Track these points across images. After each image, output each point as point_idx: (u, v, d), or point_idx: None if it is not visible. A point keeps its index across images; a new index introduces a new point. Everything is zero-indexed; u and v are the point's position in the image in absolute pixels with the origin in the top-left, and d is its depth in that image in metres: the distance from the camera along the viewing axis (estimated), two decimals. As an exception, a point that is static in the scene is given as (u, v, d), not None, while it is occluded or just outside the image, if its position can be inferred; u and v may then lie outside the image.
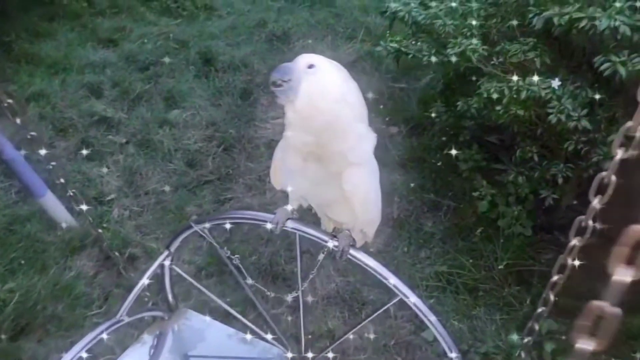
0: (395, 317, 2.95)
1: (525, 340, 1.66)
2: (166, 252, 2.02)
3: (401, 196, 3.65)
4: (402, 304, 3.00)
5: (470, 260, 3.17)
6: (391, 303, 1.77)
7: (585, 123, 2.39)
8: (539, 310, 1.50)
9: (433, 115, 3.64)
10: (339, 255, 1.72)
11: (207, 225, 1.85)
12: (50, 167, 2.23)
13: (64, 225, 3.24)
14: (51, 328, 2.77)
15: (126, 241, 3.24)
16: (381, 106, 4.36)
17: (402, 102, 4.46)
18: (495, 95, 2.44)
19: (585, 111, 2.43)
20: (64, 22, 5.30)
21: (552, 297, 1.41)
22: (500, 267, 3.10)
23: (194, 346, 2.29)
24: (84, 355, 1.65)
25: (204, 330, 2.30)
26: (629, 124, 1.00)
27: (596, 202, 1.16)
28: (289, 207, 1.77)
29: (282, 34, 5.19)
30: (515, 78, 2.35)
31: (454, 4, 2.60)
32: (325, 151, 1.56)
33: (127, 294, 1.95)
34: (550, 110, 2.36)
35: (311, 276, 1.84)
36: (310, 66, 1.53)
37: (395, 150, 4.03)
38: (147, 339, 2.22)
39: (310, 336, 2.66)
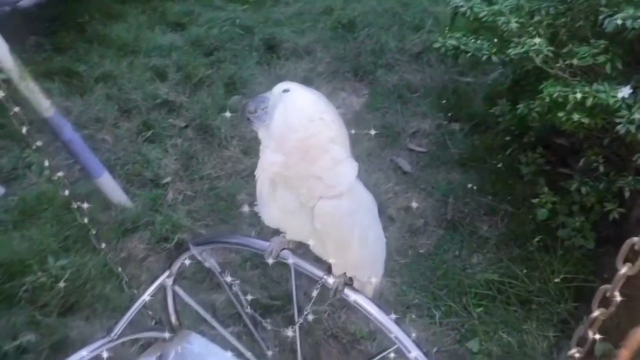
0: (440, 323, 2.85)
1: (572, 351, 1.46)
2: (167, 273, 1.99)
3: (457, 197, 3.51)
4: (448, 312, 2.92)
5: (525, 271, 3.00)
6: (389, 350, 1.63)
7: (657, 135, 2.18)
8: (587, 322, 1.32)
9: (497, 113, 3.47)
10: (332, 293, 1.59)
11: (202, 249, 1.81)
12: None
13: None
14: (98, 307, 2.85)
15: (176, 226, 3.28)
16: (444, 101, 4.21)
17: (467, 98, 4.28)
18: (559, 100, 2.26)
19: (658, 122, 2.21)
20: (135, 4, 5.42)
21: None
22: (556, 280, 2.92)
23: None
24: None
25: (205, 356, 2.25)
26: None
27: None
28: (285, 236, 1.66)
29: (347, 22, 5.08)
30: (581, 83, 2.17)
31: (521, 1, 2.42)
32: (294, 173, 1.43)
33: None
34: (618, 120, 2.16)
35: (305, 313, 1.70)
36: (285, 90, 1.44)
37: (455, 148, 3.88)
38: None
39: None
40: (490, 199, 3.47)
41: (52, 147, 3.68)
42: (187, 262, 2.05)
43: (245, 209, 3.64)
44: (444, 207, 3.47)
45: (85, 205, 2.39)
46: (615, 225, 2.93)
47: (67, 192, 1.98)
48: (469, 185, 3.53)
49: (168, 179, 3.68)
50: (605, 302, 1.14)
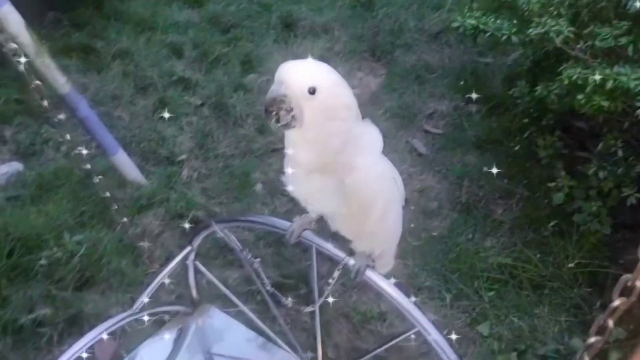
0: (451, 306, 2.84)
1: (592, 340, 1.44)
2: (189, 248, 2.01)
3: (472, 180, 3.47)
4: (459, 295, 2.92)
5: (539, 255, 2.97)
6: (409, 333, 1.64)
7: (680, 119, 2.13)
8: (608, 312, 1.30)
9: (515, 95, 3.41)
10: (354, 275, 1.61)
11: (223, 226, 1.82)
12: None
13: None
14: (114, 282, 2.89)
15: (190, 203, 3.30)
16: (462, 82, 4.15)
17: (486, 79, 4.21)
18: (579, 83, 2.21)
19: (681, 107, 2.15)
20: (153, -20, 5.40)
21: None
22: (570, 265, 2.89)
23: (214, 345, 2.28)
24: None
25: (225, 331, 2.29)
26: None
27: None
28: (309, 217, 1.68)
29: (366, 1, 5.00)
30: (602, 65, 2.11)
31: (542, -21, 2.36)
32: (331, 164, 1.47)
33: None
34: (639, 104, 2.11)
35: (326, 293, 1.74)
36: (312, 91, 1.38)
37: (472, 130, 3.83)
38: (167, 333, 2.24)
39: (329, 349, 2.61)
40: (506, 182, 3.43)
41: (69, 123, 3.72)
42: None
43: (259, 187, 3.68)
44: (459, 190, 3.44)
45: (102, 180, 2.43)
46: (632, 210, 2.88)
47: (88, 166, 1.96)
48: (485, 168, 3.49)
49: (183, 157, 3.70)
50: (626, 291, 1.12)
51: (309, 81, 1.38)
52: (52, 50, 4.29)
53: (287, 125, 1.41)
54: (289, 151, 1.52)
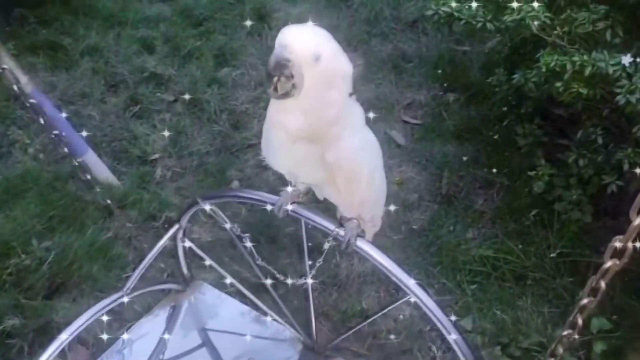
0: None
1: (565, 333, 1.42)
2: (177, 226, 1.98)
3: (452, 170, 3.42)
4: (442, 289, 2.87)
5: (520, 246, 2.93)
6: (402, 300, 1.63)
7: (659, 105, 2.08)
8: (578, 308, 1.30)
9: (493, 83, 3.36)
10: (344, 246, 1.60)
11: (211, 202, 1.78)
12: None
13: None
14: (86, 288, 2.80)
15: (164, 204, 3.21)
16: (439, 71, 4.09)
17: (463, 67, 4.15)
18: (556, 70, 2.16)
19: (659, 92, 2.11)
20: (122, -27, 5.25)
21: (580, 321, 1.23)
22: (552, 255, 2.86)
23: (207, 321, 2.26)
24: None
25: (218, 306, 2.29)
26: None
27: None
28: (296, 189, 1.65)
29: (341, -10, 4.92)
30: (579, 52, 2.06)
31: (517, -37, 2.29)
32: (321, 134, 1.44)
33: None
34: (618, 90, 2.06)
35: (318, 264, 1.73)
36: (317, 58, 1.34)
37: (451, 119, 3.77)
38: (160, 311, 2.21)
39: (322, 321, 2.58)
40: (486, 171, 3.38)
41: (38, 124, 3.61)
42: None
43: (235, 184, 3.60)
44: (439, 181, 3.39)
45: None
46: (612, 198, 2.85)
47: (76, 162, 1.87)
48: (464, 158, 3.45)
49: (156, 156, 3.60)
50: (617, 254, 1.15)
51: (314, 47, 1.35)
52: (18, 48, 4.18)
53: (287, 94, 1.36)
54: (276, 117, 1.47)
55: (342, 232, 1.60)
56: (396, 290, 2.87)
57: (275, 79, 1.33)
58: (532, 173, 3.03)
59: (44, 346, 2.48)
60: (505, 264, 2.88)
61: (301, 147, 1.46)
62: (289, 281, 1.85)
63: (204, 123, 3.84)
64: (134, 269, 2.92)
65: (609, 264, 1.16)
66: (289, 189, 1.67)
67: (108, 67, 4.21)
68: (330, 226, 1.62)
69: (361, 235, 1.63)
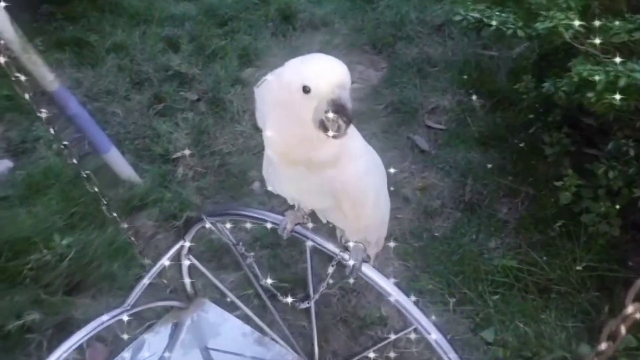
0: (454, 311, 2.74)
1: (602, 347, 1.33)
2: (181, 243, 1.94)
3: (476, 177, 3.36)
4: (463, 299, 2.82)
5: (545, 257, 2.86)
6: (406, 332, 1.56)
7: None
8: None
9: (521, 90, 3.29)
10: (349, 272, 1.54)
11: (215, 219, 1.74)
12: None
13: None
14: (104, 286, 2.80)
15: (185, 203, 3.20)
16: (465, 76, 4.03)
17: (490, 73, 4.09)
18: (589, 79, 2.09)
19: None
20: (148, -29, 5.27)
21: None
22: (578, 268, 2.78)
23: (209, 340, 2.21)
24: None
25: (220, 325, 2.24)
26: None
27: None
28: (301, 210, 1.61)
29: (366, -8, 4.89)
30: (615, 60, 1.99)
31: (551, -30, 2.23)
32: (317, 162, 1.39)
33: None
34: (653, 102, 2.00)
35: (322, 289, 1.67)
36: (305, 90, 1.28)
37: (476, 125, 3.71)
38: (162, 328, 2.17)
39: (327, 355, 2.54)
40: (510, 180, 3.32)
41: (62, 120, 3.63)
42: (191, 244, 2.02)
43: (256, 186, 3.58)
44: (462, 188, 3.34)
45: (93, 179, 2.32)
46: (643, 211, 2.78)
47: (74, 161, 1.84)
48: (489, 166, 3.38)
49: (179, 154, 3.59)
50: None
51: (303, 81, 1.29)
52: (45, 44, 4.22)
53: (343, 134, 1.31)
54: (269, 152, 1.44)
55: (346, 256, 1.54)
56: (415, 299, 2.82)
57: (340, 120, 1.29)
58: (558, 183, 2.95)
59: (62, 342, 2.52)
60: (529, 275, 2.82)
61: (305, 174, 1.42)
62: (290, 300, 1.79)
63: (226, 123, 3.83)
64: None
65: (630, 308, 1.01)
66: (295, 209, 1.63)
67: (133, 65, 4.23)
68: (335, 250, 1.56)
69: (366, 260, 1.57)
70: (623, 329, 1.06)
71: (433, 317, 1.52)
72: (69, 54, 4.28)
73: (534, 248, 2.93)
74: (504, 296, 2.77)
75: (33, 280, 2.69)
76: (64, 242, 2.80)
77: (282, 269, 2.90)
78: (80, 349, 2.46)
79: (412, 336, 1.59)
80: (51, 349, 2.53)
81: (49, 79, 2.77)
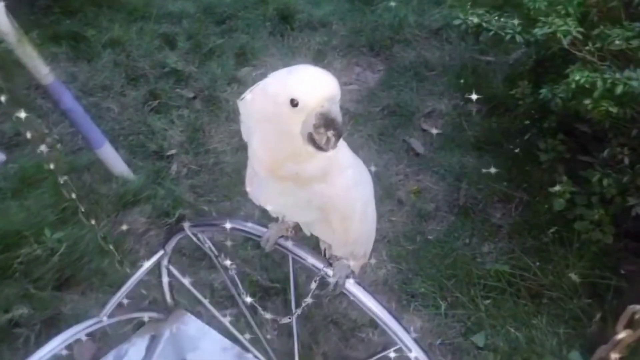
0: (445, 315, 2.74)
1: None
2: (161, 252, 1.89)
3: (470, 182, 3.37)
4: (455, 303, 2.81)
5: (538, 263, 2.87)
6: (390, 351, 1.53)
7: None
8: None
9: (517, 95, 3.29)
10: (332, 288, 1.48)
11: (197, 230, 1.70)
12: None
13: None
14: (95, 282, 2.78)
15: (178, 201, 3.18)
16: (462, 80, 4.03)
17: (487, 78, 4.10)
18: (586, 86, 2.09)
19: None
20: (147, -32, 5.25)
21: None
22: (571, 274, 2.78)
23: (187, 354, 2.16)
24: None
25: (199, 339, 2.16)
26: None
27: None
28: (285, 223, 1.56)
29: (365, -6, 4.89)
30: (611, 69, 1.99)
31: (550, -23, 2.24)
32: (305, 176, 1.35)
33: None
34: (650, 110, 2.00)
35: (304, 304, 1.61)
36: (293, 103, 1.23)
37: (471, 130, 3.72)
38: (139, 339, 2.12)
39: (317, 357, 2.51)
40: (505, 185, 3.32)
41: (56, 114, 3.60)
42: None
43: (251, 185, 3.54)
44: (457, 192, 3.34)
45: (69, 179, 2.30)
46: (636, 220, 2.78)
47: (51, 166, 1.82)
48: (484, 171, 3.38)
49: (173, 151, 3.58)
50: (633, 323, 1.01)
51: (291, 93, 1.23)
52: (41, 38, 4.19)
53: (333, 148, 1.28)
54: (255, 167, 1.39)
55: (330, 271, 1.49)
56: (408, 301, 2.82)
57: (329, 133, 1.25)
58: (552, 189, 2.94)
59: (50, 338, 2.49)
60: (521, 280, 2.82)
61: (291, 188, 1.37)
62: (269, 316, 1.74)
63: (221, 121, 3.82)
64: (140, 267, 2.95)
65: (622, 334, 1.04)
66: (278, 222, 1.58)
67: (129, 61, 4.21)
68: (319, 265, 1.51)
69: (350, 276, 1.51)
70: (614, 356, 1.05)
71: (416, 327, 1.48)
72: (65, 48, 4.26)
73: (527, 253, 2.93)
74: (495, 301, 2.77)
75: (23, 274, 2.67)
76: (55, 236, 2.78)
77: (274, 269, 2.88)
78: (68, 345, 2.44)
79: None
80: (39, 344, 2.52)
81: (44, 72, 2.75)
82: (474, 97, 3.40)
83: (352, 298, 1.52)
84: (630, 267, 2.82)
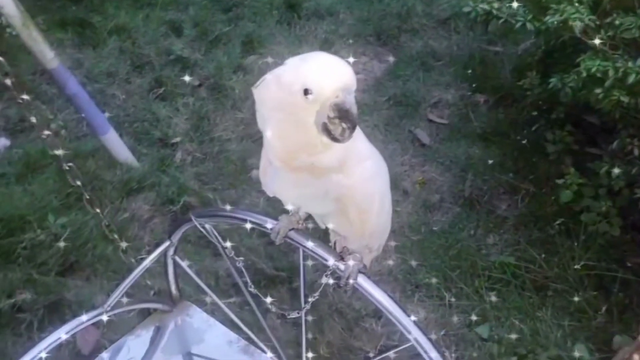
0: (450, 306, 2.73)
1: None
2: (167, 242, 1.88)
3: (476, 173, 3.34)
4: (459, 294, 2.80)
5: (543, 255, 2.85)
6: (402, 347, 1.51)
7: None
8: None
9: (525, 86, 3.26)
10: (344, 282, 1.46)
11: (204, 220, 1.68)
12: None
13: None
14: (99, 268, 2.77)
15: (182, 188, 3.17)
16: (469, 71, 4.00)
17: (494, 68, 4.05)
18: (597, 75, 2.06)
19: None
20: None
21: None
22: (576, 267, 2.76)
23: (192, 346, 2.14)
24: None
25: (205, 331, 2.14)
26: None
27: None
28: (296, 215, 1.53)
29: (373, -17, 4.84)
30: (623, 58, 1.96)
31: (562, -37, 2.20)
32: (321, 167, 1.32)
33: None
34: (661, 101, 1.97)
35: (312, 299, 1.60)
36: (307, 92, 1.20)
37: (478, 121, 3.69)
38: (143, 331, 2.11)
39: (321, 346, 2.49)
40: (511, 176, 3.30)
41: (62, 100, 3.59)
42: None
43: (255, 174, 3.55)
44: (462, 183, 3.31)
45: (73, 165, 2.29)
46: (643, 212, 2.76)
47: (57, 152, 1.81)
48: (490, 162, 3.36)
49: (177, 139, 3.56)
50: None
51: (304, 83, 1.21)
52: (47, 23, 4.17)
53: (347, 139, 1.25)
54: (272, 159, 1.37)
55: (341, 266, 1.46)
56: (412, 292, 2.81)
57: (344, 124, 1.22)
58: (559, 181, 2.93)
59: (53, 323, 2.49)
60: (526, 272, 2.80)
61: (308, 179, 1.35)
62: (280, 311, 1.75)
63: (227, 109, 3.79)
64: (149, 253, 2.94)
65: None
66: (289, 213, 1.55)
67: (135, 48, 4.18)
68: (330, 259, 1.48)
69: (362, 271, 1.49)
70: (637, 357, 1.04)
71: (423, 315, 1.46)
72: (70, 34, 4.23)
73: (533, 245, 2.91)
74: (500, 292, 2.75)
75: (26, 259, 2.67)
76: (59, 222, 2.78)
77: (280, 258, 2.87)
78: (71, 331, 2.44)
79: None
80: (42, 329, 2.54)
81: (49, 56, 2.74)
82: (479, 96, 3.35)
83: (363, 292, 1.50)
84: (637, 260, 2.81)
